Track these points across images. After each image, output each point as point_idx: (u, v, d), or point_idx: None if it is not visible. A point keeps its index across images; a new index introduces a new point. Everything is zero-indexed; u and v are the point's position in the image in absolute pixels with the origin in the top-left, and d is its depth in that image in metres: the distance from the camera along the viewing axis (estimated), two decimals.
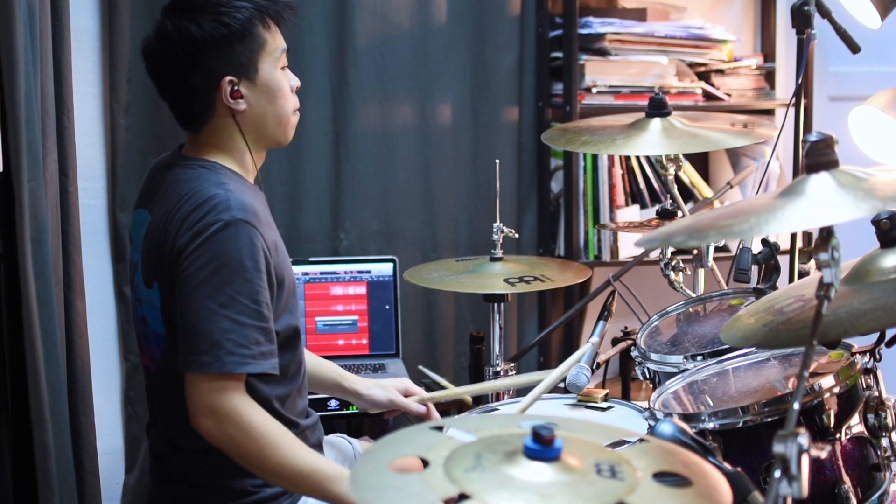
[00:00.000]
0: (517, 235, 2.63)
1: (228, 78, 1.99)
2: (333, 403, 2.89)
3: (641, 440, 1.52)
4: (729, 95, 3.55)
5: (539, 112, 3.53)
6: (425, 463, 1.31)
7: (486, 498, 1.23)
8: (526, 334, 3.57)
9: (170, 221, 1.96)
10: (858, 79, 3.75)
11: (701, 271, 2.72)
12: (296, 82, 2.10)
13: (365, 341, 3.22)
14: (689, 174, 3.52)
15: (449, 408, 3.15)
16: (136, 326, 2.13)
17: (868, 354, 1.92)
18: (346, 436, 2.45)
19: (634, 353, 2.35)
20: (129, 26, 3.06)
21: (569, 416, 2.21)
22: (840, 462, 1.83)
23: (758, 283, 2.45)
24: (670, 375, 2.19)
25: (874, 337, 1.92)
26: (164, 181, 2.05)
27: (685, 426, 1.57)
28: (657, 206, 3.14)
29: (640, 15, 3.47)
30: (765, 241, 2.41)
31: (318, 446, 2.16)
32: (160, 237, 1.98)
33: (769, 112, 3.66)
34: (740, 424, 1.84)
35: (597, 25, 3.37)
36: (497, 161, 2.63)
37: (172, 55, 1.99)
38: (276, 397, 2.03)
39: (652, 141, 2.52)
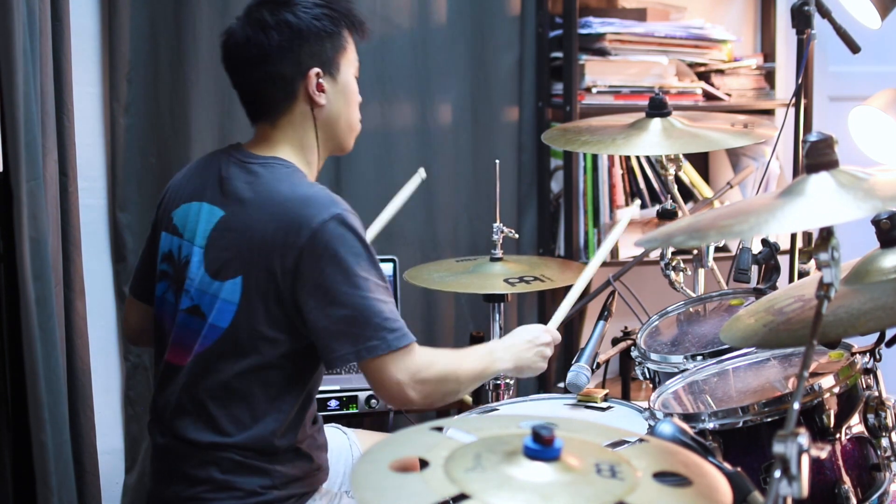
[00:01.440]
0: (517, 235, 2.64)
1: (316, 70, 2.09)
2: (333, 403, 2.89)
3: (641, 440, 1.52)
4: (729, 95, 3.55)
5: (539, 112, 3.53)
6: (425, 463, 1.31)
7: (486, 498, 1.23)
8: None
9: (273, 223, 1.98)
10: (858, 79, 3.75)
11: (701, 271, 2.72)
12: (359, 95, 2.21)
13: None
14: (689, 174, 3.51)
15: (449, 408, 3.15)
16: (169, 317, 2.12)
17: (868, 354, 1.92)
18: (340, 426, 2.45)
19: (634, 353, 2.36)
20: (129, 26, 3.06)
21: (569, 416, 2.21)
22: (840, 462, 1.83)
23: (758, 283, 2.45)
24: (670, 375, 2.19)
25: (874, 337, 1.92)
26: (237, 177, 2.07)
27: (685, 426, 1.57)
28: (657, 206, 3.14)
29: (640, 15, 3.47)
30: (765, 241, 2.41)
31: (324, 447, 2.17)
32: (252, 234, 2.00)
33: (769, 112, 3.66)
34: (740, 424, 1.84)
35: (597, 25, 3.37)
36: (497, 161, 2.63)
37: (266, 40, 2.06)
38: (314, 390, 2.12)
39: (652, 141, 2.52)
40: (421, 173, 2.62)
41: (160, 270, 2.16)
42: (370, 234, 2.39)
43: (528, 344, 2.21)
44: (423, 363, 2.01)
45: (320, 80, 2.09)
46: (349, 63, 2.15)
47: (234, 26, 2.11)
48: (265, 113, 2.12)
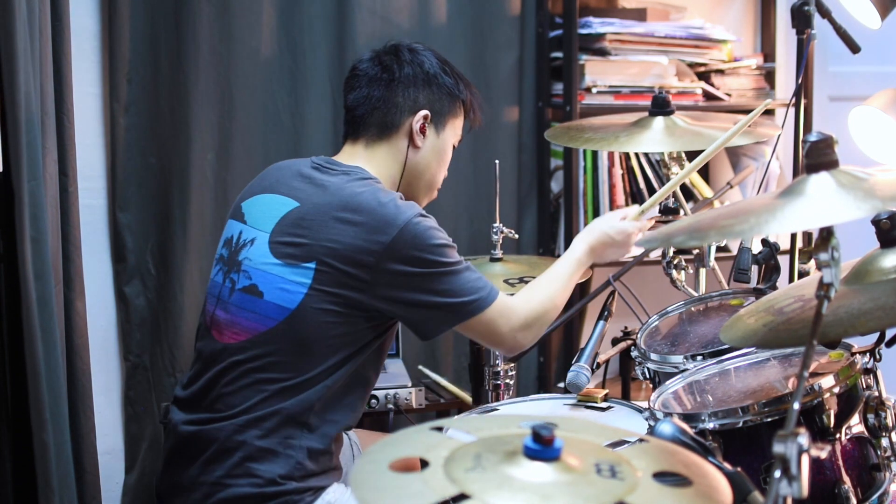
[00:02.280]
0: (517, 235, 2.64)
1: (426, 112, 2.25)
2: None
3: (641, 440, 1.52)
4: (729, 95, 3.55)
5: (539, 112, 3.53)
6: (425, 463, 1.31)
7: (486, 498, 1.23)
8: None
9: (353, 216, 2.08)
10: (858, 79, 3.75)
11: (702, 271, 2.72)
12: (447, 167, 2.35)
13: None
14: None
15: (449, 408, 3.15)
16: (219, 299, 2.18)
17: (868, 354, 1.92)
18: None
19: (634, 353, 2.36)
20: (129, 26, 3.06)
21: (569, 416, 2.22)
22: (840, 462, 1.83)
23: (758, 283, 2.45)
24: (670, 375, 2.19)
25: (874, 337, 1.92)
26: (319, 179, 2.16)
27: (685, 426, 1.57)
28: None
29: (640, 15, 3.47)
30: (765, 241, 2.41)
31: (342, 446, 2.21)
32: (331, 226, 2.09)
33: (769, 112, 3.66)
34: (740, 424, 1.84)
35: (597, 25, 3.37)
36: (497, 161, 2.63)
37: (398, 69, 2.25)
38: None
39: (655, 138, 2.52)
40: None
41: (218, 255, 2.24)
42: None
43: (604, 235, 2.33)
44: (519, 306, 2.17)
45: (426, 124, 2.25)
46: (454, 129, 2.31)
47: (370, 53, 2.30)
48: (365, 132, 2.25)
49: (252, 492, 2.04)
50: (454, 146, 2.34)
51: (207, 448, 2.09)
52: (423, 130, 2.25)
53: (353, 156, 2.25)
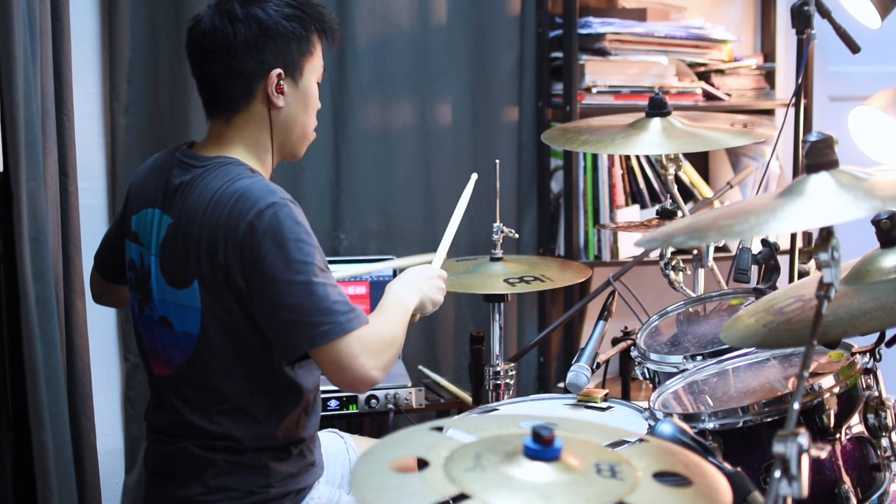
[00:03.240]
0: (517, 235, 2.63)
1: (278, 70, 2.05)
2: (333, 403, 2.89)
3: (641, 440, 1.52)
4: (729, 95, 3.55)
5: (539, 112, 3.53)
6: (425, 463, 1.31)
7: (487, 498, 1.23)
8: (526, 334, 3.57)
9: (212, 221, 1.97)
10: (858, 79, 3.75)
11: (701, 271, 2.72)
12: (319, 104, 2.15)
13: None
14: (689, 174, 3.52)
15: (449, 408, 3.16)
16: (145, 329, 2.12)
17: (868, 354, 1.92)
18: (337, 431, 2.45)
19: (634, 353, 2.36)
20: (129, 26, 3.06)
21: (569, 416, 2.21)
22: (840, 462, 1.83)
23: (758, 283, 2.45)
24: (670, 375, 2.19)
25: (874, 337, 1.92)
26: (181, 181, 2.05)
27: (685, 426, 1.57)
28: (657, 206, 3.14)
29: (640, 15, 3.47)
30: (765, 241, 2.41)
31: (317, 440, 2.18)
32: (198, 238, 1.98)
33: (769, 112, 3.66)
34: (740, 424, 1.84)
35: (597, 25, 3.37)
36: (497, 161, 2.63)
37: (232, 33, 2.03)
38: (314, 388, 2.13)
39: (652, 140, 2.52)
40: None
41: (129, 278, 2.17)
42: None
43: (426, 279, 2.22)
44: (373, 337, 1.97)
45: (281, 82, 2.05)
46: (313, 69, 2.11)
47: (203, 14, 2.07)
48: (221, 108, 2.09)
49: None
50: (318, 82, 2.14)
51: (181, 467, 2.06)
52: (279, 90, 2.05)
53: (218, 138, 2.09)
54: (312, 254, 1.94)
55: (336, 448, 2.34)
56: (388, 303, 2.12)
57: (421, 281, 2.21)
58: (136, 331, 2.17)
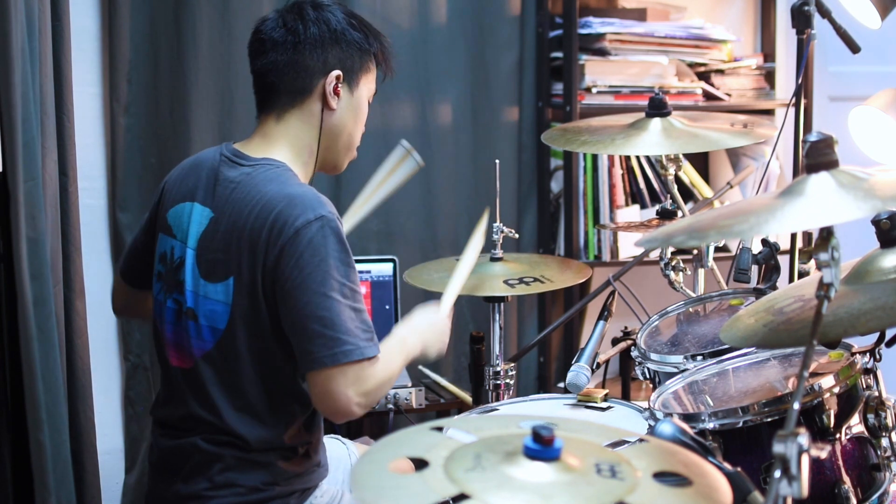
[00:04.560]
0: (517, 235, 2.63)
1: (338, 73, 2.11)
2: None
3: (641, 440, 1.52)
4: (729, 95, 3.55)
5: (539, 112, 3.52)
6: (425, 463, 1.31)
7: (487, 498, 1.23)
8: (526, 334, 3.57)
9: (258, 221, 1.99)
10: (858, 79, 3.75)
11: (701, 271, 2.72)
12: (364, 125, 2.22)
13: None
14: (689, 174, 3.52)
15: (449, 408, 3.15)
16: (169, 320, 2.12)
17: (868, 354, 1.92)
18: (339, 437, 2.45)
19: (634, 353, 2.35)
20: (129, 26, 3.06)
21: (569, 416, 2.21)
22: (840, 462, 1.83)
23: (758, 283, 2.45)
24: (670, 375, 2.19)
25: (874, 337, 1.92)
26: (228, 177, 2.07)
27: (685, 426, 1.57)
28: (657, 206, 3.14)
29: (640, 15, 3.47)
30: (765, 241, 2.41)
31: (322, 443, 2.18)
32: (241, 236, 2.00)
33: (769, 112, 3.66)
34: (740, 424, 1.84)
35: (597, 25, 3.37)
36: (497, 161, 2.63)
37: (302, 29, 2.10)
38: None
39: (652, 141, 2.52)
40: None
41: (156, 271, 2.16)
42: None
43: (431, 327, 2.22)
44: (369, 376, 1.97)
45: (339, 85, 2.12)
46: (368, 84, 2.19)
47: (272, 14, 2.15)
48: (276, 102, 2.12)
49: (237, 501, 2.03)
50: (369, 101, 2.21)
51: (187, 462, 2.06)
52: (336, 91, 2.12)
53: (265, 136, 2.13)
54: (348, 274, 1.97)
55: (338, 453, 2.34)
56: (391, 346, 2.10)
57: (426, 329, 2.21)
58: (156, 323, 2.17)
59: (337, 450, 2.35)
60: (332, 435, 2.45)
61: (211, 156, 2.15)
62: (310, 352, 1.94)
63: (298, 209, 1.98)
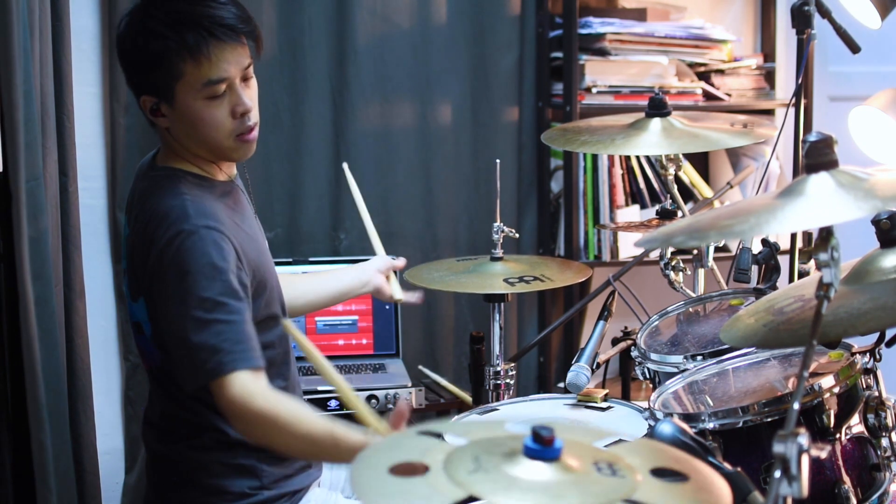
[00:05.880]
0: (517, 235, 2.63)
1: (145, 97, 2.01)
2: (333, 403, 2.89)
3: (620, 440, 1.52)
4: (729, 95, 3.55)
5: (539, 112, 3.53)
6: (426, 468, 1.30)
7: (499, 499, 1.22)
8: (526, 334, 3.57)
9: (143, 237, 1.98)
10: (858, 79, 3.75)
11: (701, 271, 2.72)
12: (242, 106, 2.01)
13: (365, 341, 3.22)
14: (689, 174, 3.51)
15: (449, 408, 3.16)
16: (133, 330, 2.13)
17: (868, 354, 1.92)
18: None
19: (634, 353, 2.35)
20: None
21: (568, 416, 2.22)
22: (840, 462, 1.83)
23: (758, 283, 2.45)
24: (670, 375, 2.19)
25: (874, 337, 1.92)
26: (138, 191, 2.07)
27: (685, 426, 1.57)
28: (657, 206, 3.14)
29: (640, 15, 3.47)
30: (765, 241, 2.41)
31: None
32: (136, 252, 2.00)
33: (769, 112, 3.66)
34: (740, 424, 1.85)
35: (597, 25, 3.37)
36: (497, 161, 2.63)
37: (119, 55, 2.04)
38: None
39: (652, 141, 2.52)
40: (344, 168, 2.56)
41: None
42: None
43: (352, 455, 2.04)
44: (251, 392, 1.85)
45: (155, 107, 2.00)
46: (189, 88, 1.96)
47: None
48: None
49: None
50: (211, 96, 1.98)
51: (176, 468, 2.06)
52: (156, 113, 2.00)
53: (163, 147, 2.10)
54: (221, 289, 1.88)
55: None
56: (319, 429, 1.85)
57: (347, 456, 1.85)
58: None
59: None
60: None
61: (143, 164, 2.15)
62: (179, 373, 1.93)
63: (163, 226, 1.93)
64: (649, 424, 1.97)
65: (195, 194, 1.99)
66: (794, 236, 2.74)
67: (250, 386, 1.86)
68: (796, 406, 1.29)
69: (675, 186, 2.77)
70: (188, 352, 1.88)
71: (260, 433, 1.88)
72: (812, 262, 2.05)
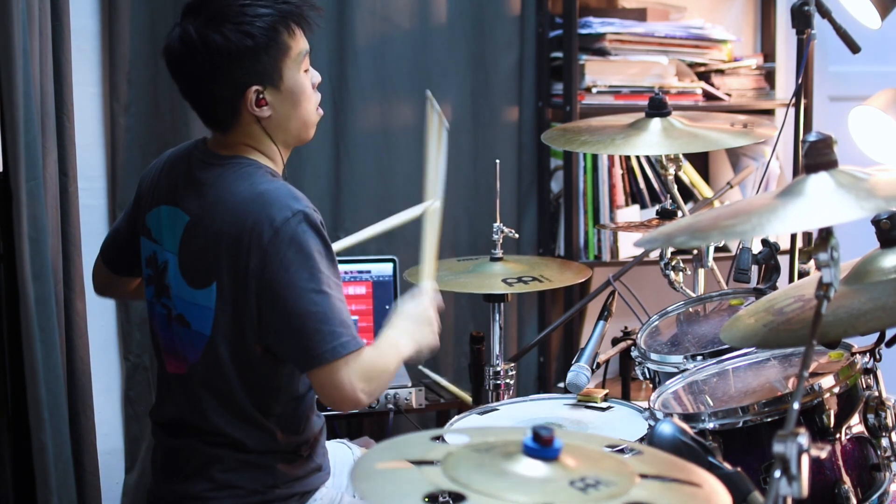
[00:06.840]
0: (517, 235, 2.63)
1: (254, 88, 1.99)
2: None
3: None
4: (729, 95, 3.55)
5: (539, 112, 3.53)
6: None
7: (503, 496, 1.22)
8: (526, 334, 3.57)
9: (236, 224, 1.95)
10: (858, 79, 3.75)
11: (701, 271, 2.72)
12: (317, 78, 2.09)
13: (366, 342, 3.21)
14: (689, 174, 3.51)
15: (449, 408, 3.15)
16: (161, 327, 2.11)
17: (868, 354, 1.92)
18: (346, 441, 2.45)
19: (634, 353, 2.36)
20: (129, 26, 3.06)
21: (568, 416, 2.22)
22: (840, 462, 1.83)
23: (758, 283, 2.45)
24: (670, 375, 2.19)
25: (874, 337, 1.92)
26: (200, 179, 2.04)
27: (685, 426, 1.57)
28: (657, 206, 3.14)
29: (640, 15, 3.47)
30: (765, 241, 2.41)
31: (324, 446, 2.18)
32: (217, 239, 1.97)
33: (769, 112, 3.66)
34: (740, 424, 1.85)
35: (597, 25, 3.37)
36: (497, 161, 2.63)
37: (196, 63, 1.97)
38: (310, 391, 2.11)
39: (652, 141, 2.52)
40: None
41: (146, 275, 2.15)
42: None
43: (419, 324, 2.11)
44: (369, 364, 1.96)
45: (261, 97, 1.99)
46: (293, 62, 2.01)
47: (171, 40, 2.00)
48: (214, 125, 2.07)
49: (236, 503, 2.03)
50: (306, 69, 2.04)
51: (188, 463, 2.06)
52: (261, 104, 1.99)
53: (226, 143, 2.06)
54: (331, 267, 1.95)
55: (343, 457, 2.34)
56: (385, 341, 2.07)
57: (414, 328, 2.11)
58: (151, 327, 2.17)
59: (342, 454, 2.35)
60: (338, 439, 2.45)
61: (184, 155, 2.12)
62: (309, 349, 1.92)
63: (275, 208, 1.94)
64: (649, 424, 1.97)
65: (283, 182, 2.03)
66: (793, 236, 2.74)
67: (367, 356, 1.97)
68: (796, 406, 1.29)
69: (675, 186, 2.77)
70: (317, 329, 1.91)
71: (380, 391, 2.04)
72: (812, 262, 2.05)
